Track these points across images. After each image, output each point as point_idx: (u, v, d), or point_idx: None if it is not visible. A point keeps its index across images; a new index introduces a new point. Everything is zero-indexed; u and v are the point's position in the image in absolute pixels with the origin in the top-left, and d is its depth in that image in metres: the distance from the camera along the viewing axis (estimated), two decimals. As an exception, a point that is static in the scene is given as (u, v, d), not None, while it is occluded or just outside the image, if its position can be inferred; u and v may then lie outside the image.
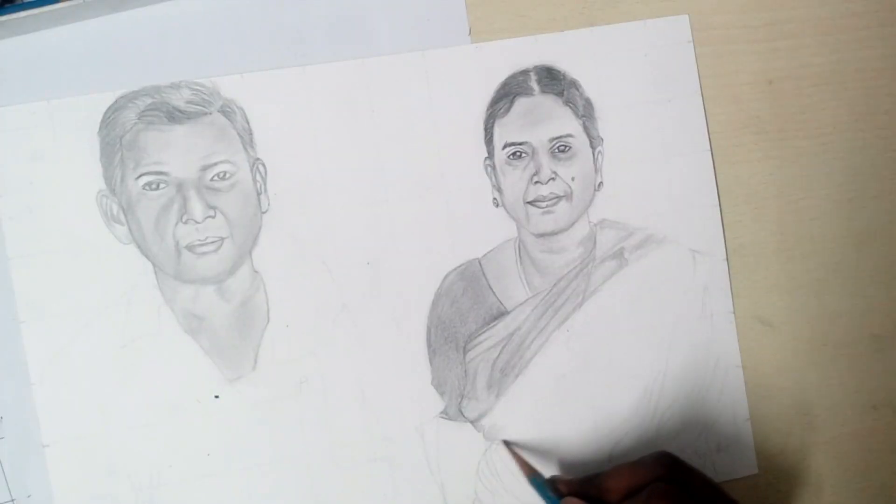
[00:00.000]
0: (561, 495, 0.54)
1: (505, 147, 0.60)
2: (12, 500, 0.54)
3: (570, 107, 0.61)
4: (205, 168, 0.56)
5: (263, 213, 0.57)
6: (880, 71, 0.64)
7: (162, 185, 0.56)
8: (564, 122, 0.60)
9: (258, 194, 0.57)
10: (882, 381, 0.63)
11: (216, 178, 0.56)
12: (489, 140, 0.60)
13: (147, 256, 0.56)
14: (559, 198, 0.60)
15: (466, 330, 0.60)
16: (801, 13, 0.63)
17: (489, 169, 0.60)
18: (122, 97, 0.56)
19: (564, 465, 0.60)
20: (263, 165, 0.57)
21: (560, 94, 0.61)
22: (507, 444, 0.59)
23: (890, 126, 0.64)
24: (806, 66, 0.63)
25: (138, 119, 0.56)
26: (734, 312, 0.62)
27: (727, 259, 0.62)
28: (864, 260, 0.64)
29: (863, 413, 0.64)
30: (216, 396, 0.57)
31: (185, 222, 0.56)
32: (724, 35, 0.62)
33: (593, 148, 0.61)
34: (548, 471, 0.58)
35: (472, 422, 0.59)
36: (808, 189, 0.63)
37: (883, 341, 0.64)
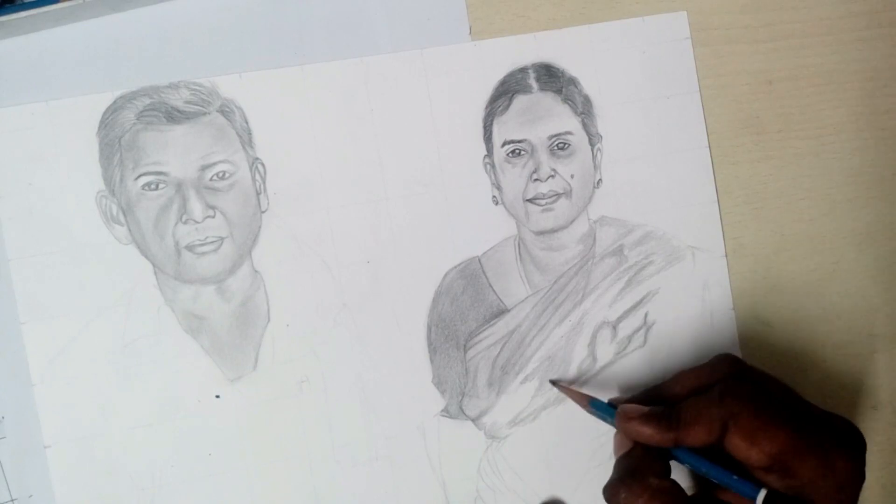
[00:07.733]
0: None
1: (504, 145, 0.60)
2: (13, 500, 0.54)
3: (569, 104, 0.61)
4: (204, 168, 0.56)
5: (263, 212, 0.57)
6: (880, 71, 0.64)
7: (161, 186, 0.56)
8: (563, 120, 0.60)
9: (257, 194, 0.57)
10: (882, 381, 0.64)
11: (215, 177, 0.56)
12: (488, 138, 0.60)
13: (147, 257, 0.56)
14: (558, 195, 0.60)
15: (467, 328, 0.60)
16: (801, 13, 0.63)
17: (488, 167, 0.60)
18: (120, 97, 0.56)
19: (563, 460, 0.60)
20: (263, 165, 0.57)
21: (559, 91, 0.60)
22: (554, 382, 0.60)
23: (890, 126, 0.64)
24: (806, 66, 0.63)
25: (137, 119, 0.56)
26: (734, 309, 0.62)
27: (726, 256, 0.62)
28: (864, 260, 0.64)
29: (863, 413, 0.64)
30: (217, 396, 0.57)
31: (185, 222, 0.56)
32: (724, 35, 0.62)
33: (592, 145, 0.61)
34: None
35: (473, 420, 0.59)
36: (808, 189, 0.63)
37: (883, 341, 0.64)
